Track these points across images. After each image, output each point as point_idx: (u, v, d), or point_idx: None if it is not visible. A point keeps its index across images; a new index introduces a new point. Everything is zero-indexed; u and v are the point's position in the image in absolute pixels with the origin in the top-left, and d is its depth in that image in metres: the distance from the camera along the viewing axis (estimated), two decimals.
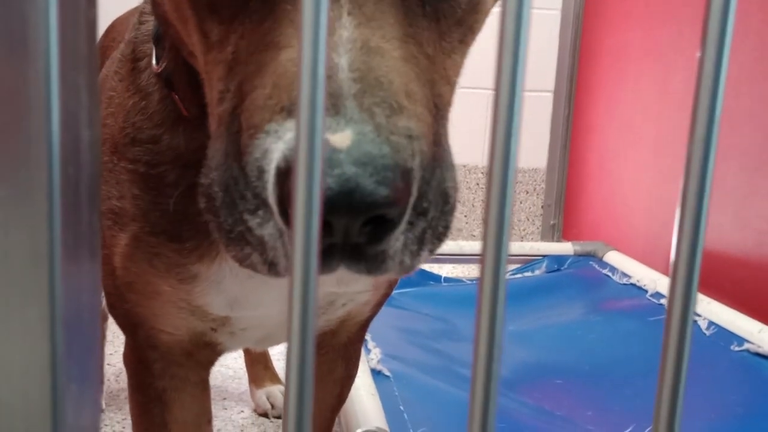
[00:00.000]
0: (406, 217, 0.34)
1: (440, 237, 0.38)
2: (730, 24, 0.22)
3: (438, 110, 0.38)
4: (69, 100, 0.16)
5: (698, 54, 0.23)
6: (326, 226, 0.32)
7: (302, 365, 0.20)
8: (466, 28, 0.41)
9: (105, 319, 1.09)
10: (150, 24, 0.53)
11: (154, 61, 0.51)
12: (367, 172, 0.31)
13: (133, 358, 0.60)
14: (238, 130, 0.36)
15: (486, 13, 0.44)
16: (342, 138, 0.32)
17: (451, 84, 0.41)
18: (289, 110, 0.33)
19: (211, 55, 0.39)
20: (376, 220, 0.33)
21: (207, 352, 0.60)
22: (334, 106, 0.33)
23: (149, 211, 0.52)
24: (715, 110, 0.22)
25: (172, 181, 0.51)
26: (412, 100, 0.35)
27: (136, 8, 0.58)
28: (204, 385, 0.63)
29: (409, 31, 0.37)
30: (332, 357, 0.71)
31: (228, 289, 0.53)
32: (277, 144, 0.33)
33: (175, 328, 0.56)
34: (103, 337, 1.21)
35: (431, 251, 0.38)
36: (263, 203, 0.34)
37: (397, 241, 0.35)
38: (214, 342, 0.58)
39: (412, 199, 0.34)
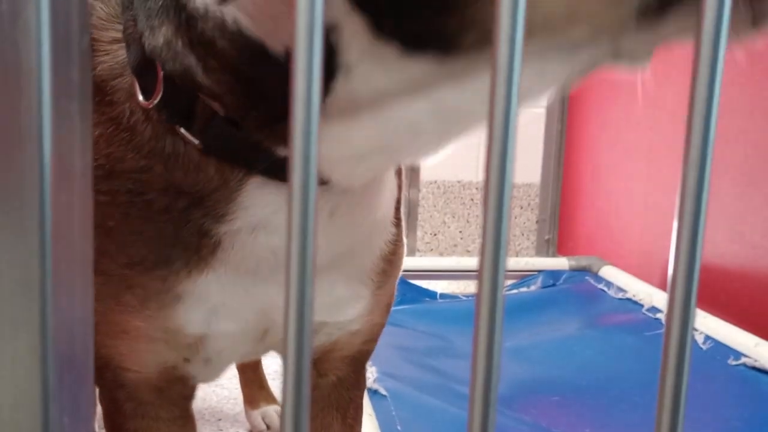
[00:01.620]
0: None
1: None
2: (722, 40, 0.22)
3: None
4: (62, 128, 0.16)
5: (690, 69, 0.23)
6: None
7: (299, 373, 0.20)
8: None
9: None
10: (119, 54, 0.49)
11: (140, 97, 0.47)
12: None
13: (105, 399, 0.58)
14: None
15: None
16: None
17: None
18: None
19: None
20: None
21: (178, 387, 0.57)
22: None
23: (128, 243, 0.50)
24: (709, 125, 0.22)
25: (163, 207, 0.49)
26: None
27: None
28: (184, 421, 0.60)
29: None
30: (323, 406, 0.64)
31: (211, 298, 0.51)
32: None
33: (143, 366, 0.54)
34: None
35: None
36: None
37: None
38: (186, 376, 0.56)
39: None
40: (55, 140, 0.16)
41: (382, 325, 0.62)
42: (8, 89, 0.15)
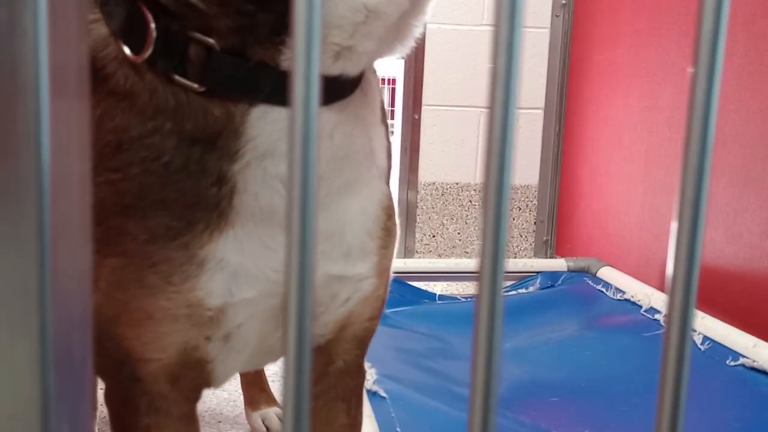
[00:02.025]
0: None
1: None
2: (720, 45, 0.22)
3: None
4: (60, 134, 0.16)
5: (688, 70, 0.23)
6: None
7: (300, 363, 0.20)
8: None
9: None
10: (100, 31, 0.50)
11: (129, 52, 0.48)
12: None
13: (117, 398, 0.57)
14: None
15: None
16: None
17: None
18: None
19: None
20: None
21: (194, 374, 0.56)
22: None
23: (149, 215, 0.49)
24: (708, 127, 0.22)
25: (181, 164, 0.49)
26: None
27: None
28: (190, 421, 0.60)
29: None
30: (330, 397, 0.66)
31: (231, 260, 0.51)
32: None
33: (165, 350, 0.53)
34: None
35: None
36: None
37: None
38: (204, 359, 0.55)
39: None
40: (53, 146, 0.16)
41: (384, 301, 0.63)
42: (6, 96, 0.15)
